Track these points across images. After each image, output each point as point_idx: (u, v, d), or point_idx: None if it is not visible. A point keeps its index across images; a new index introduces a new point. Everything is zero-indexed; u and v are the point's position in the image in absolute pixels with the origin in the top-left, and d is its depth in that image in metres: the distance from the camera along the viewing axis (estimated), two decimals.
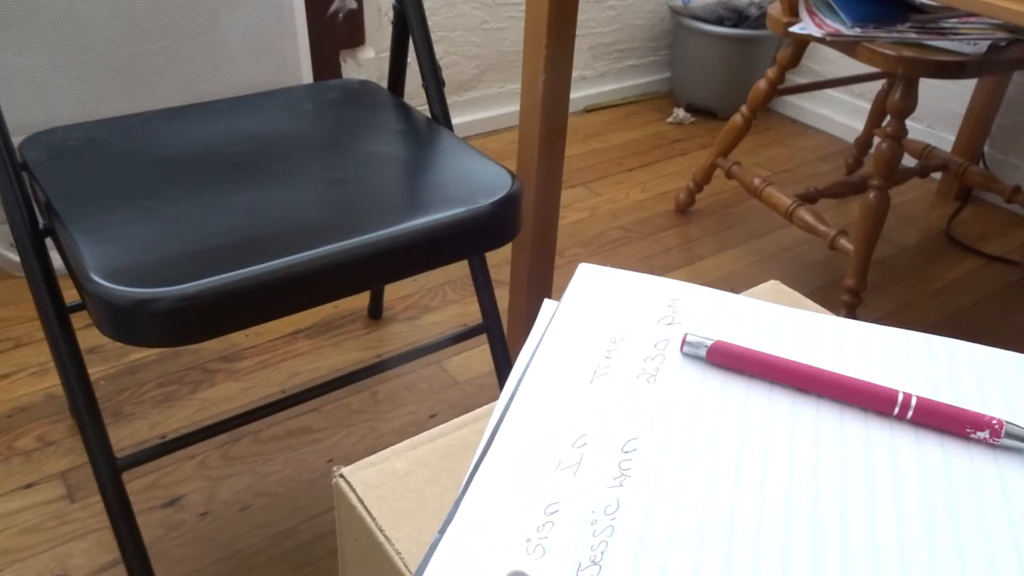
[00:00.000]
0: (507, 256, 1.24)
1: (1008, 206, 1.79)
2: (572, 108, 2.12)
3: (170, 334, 0.65)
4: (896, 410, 0.38)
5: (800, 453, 0.36)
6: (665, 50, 2.24)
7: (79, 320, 0.76)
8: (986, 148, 1.82)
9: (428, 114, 0.95)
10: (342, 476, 0.37)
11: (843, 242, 1.36)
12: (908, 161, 1.59)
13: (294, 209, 0.75)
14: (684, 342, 0.41)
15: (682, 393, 0.39)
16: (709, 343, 0.41)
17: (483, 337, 1.01)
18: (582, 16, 2.02)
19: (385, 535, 0.34)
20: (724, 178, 1.65)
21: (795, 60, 1.43)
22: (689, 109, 2.15)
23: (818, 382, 0.39)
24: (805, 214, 1.42)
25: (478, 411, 0.40)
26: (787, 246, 1.63)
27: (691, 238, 1.64)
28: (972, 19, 1.26)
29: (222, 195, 0.76)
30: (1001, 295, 1.53)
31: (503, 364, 1.00)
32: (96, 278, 0.64)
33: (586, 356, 0.41)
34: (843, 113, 2.07)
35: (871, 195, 1.32)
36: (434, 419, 1.16)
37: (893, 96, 1.27)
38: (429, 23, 1.05)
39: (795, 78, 2.12)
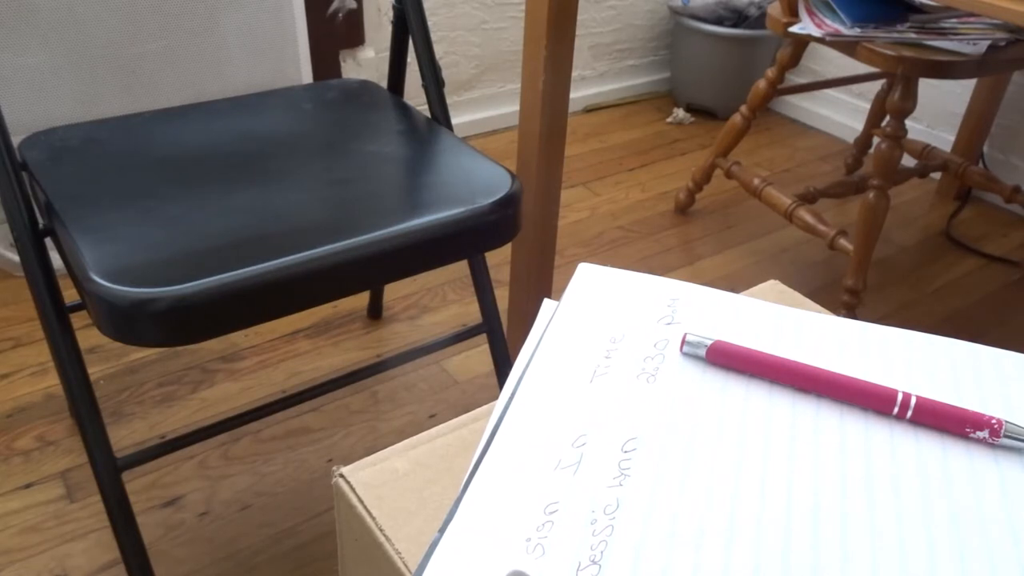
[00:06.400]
0: (507, 256, 1.24)
1: (1008, 206, 1.79)
2: (572, 108, 2.12)
3: (170, 334, 0.65)
4: (896, 410, 0.38)
5: (800, 453, 0.36)
6: (665, 50, 2.24)
7: (79, 320, 0.76)
8: (986, 148, 1.82)
9: (428, 114, 0.95)
10: (342, 476, 0.37)
11: (843, 242, 1.36)
12: (908, 161, 1.59)
13: (294, 209, 0.75)
14: (684, 342, 0.41)
15: (682, 393, 0.39)
16: (709, 343, 0.41)
17: (483, 337, 1.01)
18: (582, 16, 2.02)
19: (385, 535, 0.34)
20: (724, 178, 1.65)
21: (795, 60, 1.43)
22: (689, 109, 2.15)
23: (818, 382, 0.39)
24: (805, 214, 1.42)
25: (478, 411, 0.40)
26: (787, 246, 1.63)
27: (691, 238, 1.64)
28: (972, 19, 1.26)
29: (222, 195, 0.76)
30: (1001, 295, 1.53)
31: (503, 364, 1.00)
32: (96, 278, 0.64)
33: (586, 356, 0.41)
34: (843, 113, 2.07)
35: (871, 195, 1.32)
36: (434, 419, 1.16)
37: (893, 96, 1.27)
38: (429, 23, 1.05)
39: (795, 78, 2.12)
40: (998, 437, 0.36)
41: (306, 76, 1.08)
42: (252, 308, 0.67)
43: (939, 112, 1.90)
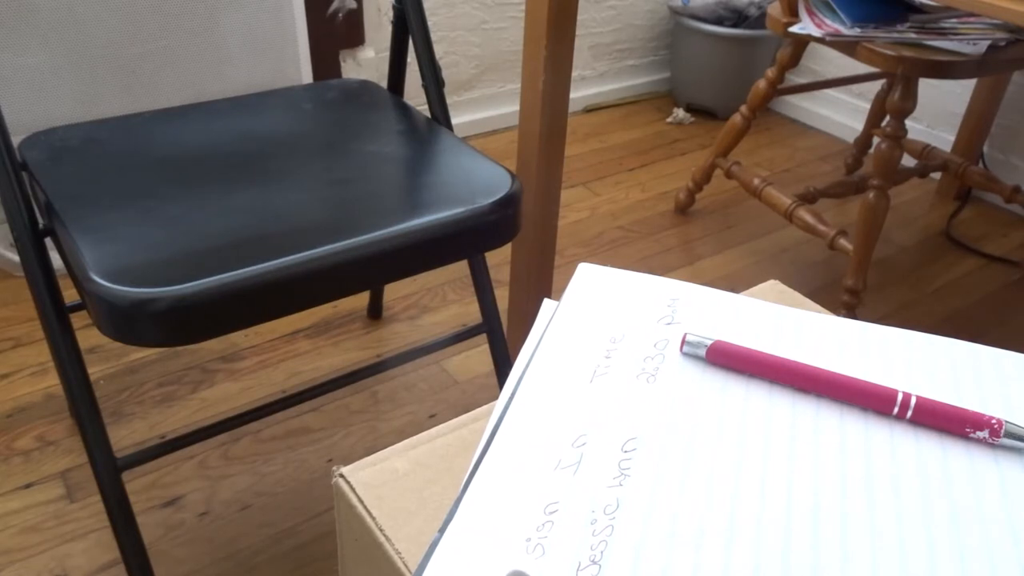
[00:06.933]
0: (507, 256, 1.24)
1: (1008, 206, 1.79)
2: (572, 108, 2.12)
3: (170, 334, 0.65)
4: (896, 410, 0.38)
5: (800, 453, 0.36)
6: (665, 50, 2.24)
7: (79, 320, 0.76)
8: (986, 148, 1.82)
9: (428, 114, 0.95)
10: (342, 476, 0.37)
11: (843, 242, 1.36)
12: (908, 161, 1.59)
13: (294, 209, 0.75)
14: (684, 342, 0.41)
15: (682, 393, 0.39)
16: (709, 343, 0.41)
17: (483, 337, 1.01)
18: (582, 16, 2.02)
19: (385, 535, 0.34)
20: (724, 178, 1.65)
21: (795, 60, 1.43)
22: (689, 109, 2.15)
23: (818, 382, 0.39)
24: (805, 214, 1.42)
25: (478, 411, 0.40)
26: (787, 246, 1.63)
27: (691, 238, 1.64)
28: (972, 19, 1.26)
29: (222, 195, 0.76)
30: (1001, 295, 1.53)
31: (503, 364, 1.00)
32: (96, 278, 0.64)
33: (586, 356, 0.41)
34: (843, 113, 2.07)
35: (871, 195, 1.32)
36: (434, 419, 1.16)
37: (893, 96, 1.27)
38: (429, 23, 1.05)
39: (795, 78, 2.12)
40: (998, 437, 0.36)
41: (306, 76, 1.08)
42: (252, 308, 0.67)
43: (939, 112, 1.90)
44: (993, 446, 0.37)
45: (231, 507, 1.01)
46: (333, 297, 0.72)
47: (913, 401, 0.37)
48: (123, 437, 1.09)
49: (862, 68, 1.40)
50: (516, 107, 2.01)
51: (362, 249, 0.71)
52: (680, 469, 0.35)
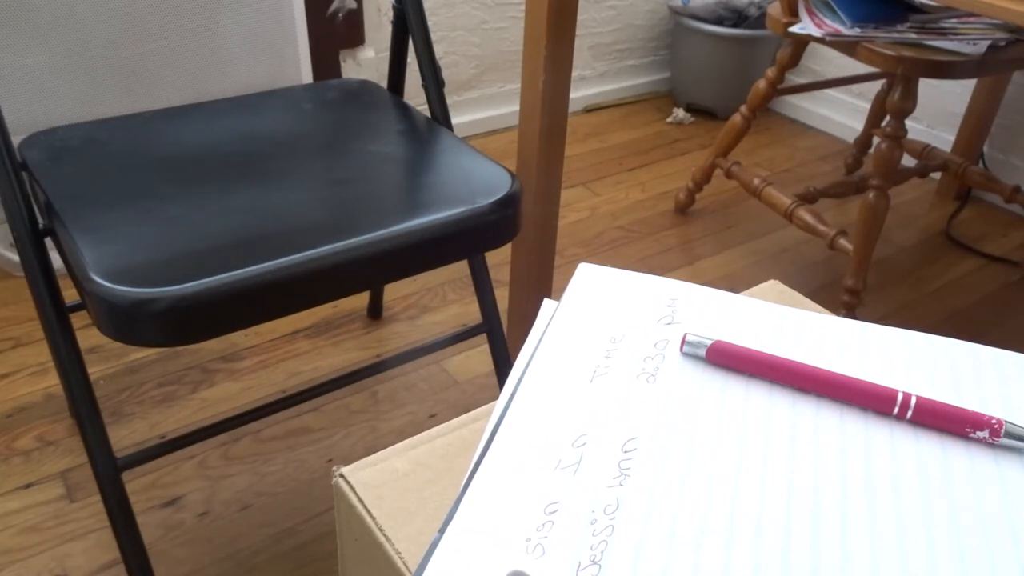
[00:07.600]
0: (507, 256, 1.24)
1: (1008, 206, 1.79)
2: (572, 108, 2.12)
3: (170, 334, 0.65)
4: (896, 410, 0.38)
5: (800, 453, 0.36)
6: (665, 50, 2.24)
7: (79, 320, 0.76)
8: (986, 148, 1.82)
9: (428, 114, 0.95)
10: (342, 476, 0.37)
11: (843, 242, 1.36)
12: (908, 161, 1.59)
13: (294, 209, 0.75)
14: (684, 342, 0.41)
15: (682, 393, 0.39)
16: (709, 343, 0.41)
17: (483, 337, 1.01)
18: (582, 16, 2.02)
19: (385, 535, 0.34)
20: (724, 178, 1.65)
21: (795, 60, 1.43)
22: (689, 109, 2.15)
23: (818, 382, 0.39)
24: (805, 214, 1.42)
25: (478, 411, 0.40)
26: (787, 246, 1.63)
27: (691, 238, 1.64)
28: (972, 19, 1.26)
29: (222, 195, 0.76)
30: (1001, 295, 1.53)
31: (503, 364, 1.00)
32: (96, 278, 0.64)
33: (586, 356, 0.41)
34: (843, 113, 2.07)
35: (871, 195, 1.32)
36: (434, 419, 1.16)
37: (893, 96, 1.27)
38: (429, 23, 1.05)
39: (795, 78, 2.12)
40: (998, 437, 0.36)
41: (306, 76, 1.08)
42: (252, 308, 0.67)
43: (939, 112, 1.90)
44: (993, 446, 0.37)
45: (231, 507, 1.01)
46: (333, 297, 0.72)
47: (913, 401, 0.37)
48: (123, 437, 1.09)
49: (862, 68, 1.40)
50: (516, 107, 2.01)
51: (362, 249, 0.71)
52: (680, 469, 0.35)
